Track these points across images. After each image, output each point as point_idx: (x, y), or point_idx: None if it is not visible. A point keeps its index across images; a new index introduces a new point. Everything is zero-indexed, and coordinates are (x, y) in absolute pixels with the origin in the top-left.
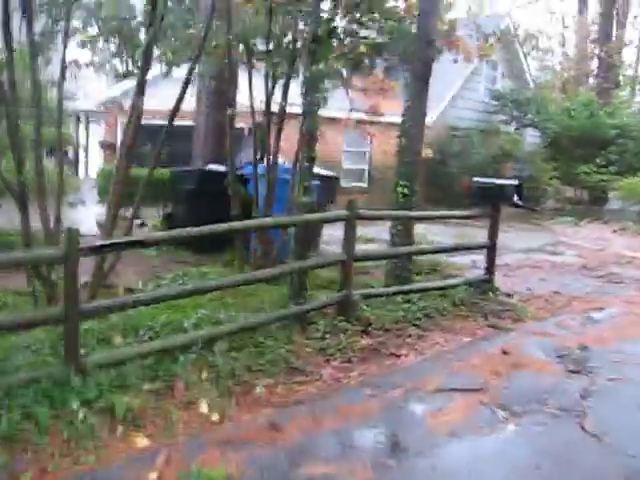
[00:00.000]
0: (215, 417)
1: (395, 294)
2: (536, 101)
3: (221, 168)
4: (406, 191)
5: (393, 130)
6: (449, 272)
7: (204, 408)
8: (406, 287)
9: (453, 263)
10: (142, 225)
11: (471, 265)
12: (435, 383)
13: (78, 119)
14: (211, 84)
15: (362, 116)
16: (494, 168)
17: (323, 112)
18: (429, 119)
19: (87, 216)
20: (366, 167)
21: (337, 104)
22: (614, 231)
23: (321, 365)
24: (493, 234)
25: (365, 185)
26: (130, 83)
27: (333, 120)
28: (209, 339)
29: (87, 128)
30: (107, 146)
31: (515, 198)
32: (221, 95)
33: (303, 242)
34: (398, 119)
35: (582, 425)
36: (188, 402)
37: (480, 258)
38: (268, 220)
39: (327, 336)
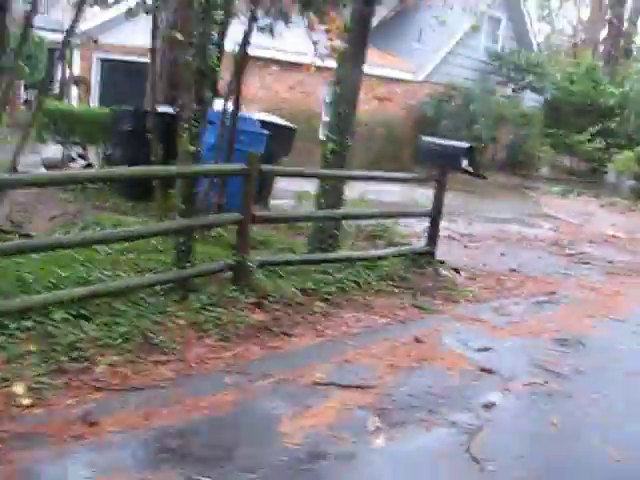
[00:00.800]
0: (27, 400)
1: (308, 262)
2: (537, 64)
3: (169, 109)
4: (335, 147)
5: (388, 84)
6: (393, 240)
7: (18, 388)
8: (322, 255)
9: (402, 230)
10: (88, 166)
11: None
12: (316, 375)
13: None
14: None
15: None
16: (488, 130)
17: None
18: (420, 75)
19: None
20: None
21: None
22: (601, 206)
23: (191, 343)
24: (438, 201)
25: None
26: (108, 15)
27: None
28: (57, 303)
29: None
30: (80, 82)
31: (464, 163)
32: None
33: (188, 197)
34: (391, 73)
35: (468, 447)
36: (1, 379)
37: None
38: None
39: (210, 308)
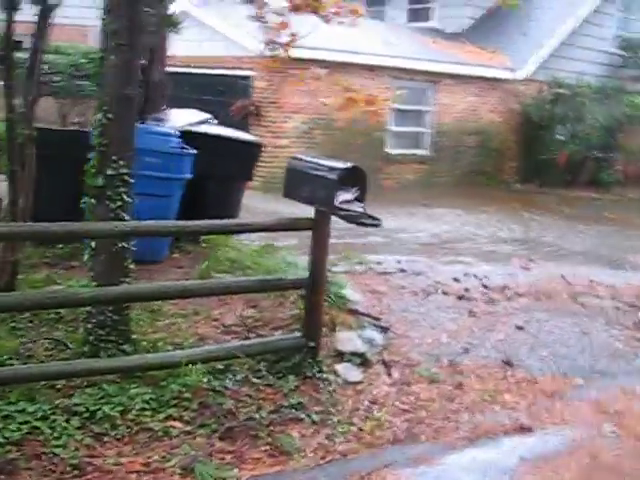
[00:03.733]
0: None
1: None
2: None
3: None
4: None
5: (480, 85)
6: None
7: None
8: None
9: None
10: None
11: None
12: None
13: None
14: None
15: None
16: (612, 139)
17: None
18: (522, 73)
19: None
20: (427, 130)
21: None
22: None
23: None
24: (317, 261)
25: (426, 153)
26: None
27: (379, 69)
28: None
29: None
30: None
31: (340, 198)
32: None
33: None
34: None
35: None
36: None
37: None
38: None
39: None
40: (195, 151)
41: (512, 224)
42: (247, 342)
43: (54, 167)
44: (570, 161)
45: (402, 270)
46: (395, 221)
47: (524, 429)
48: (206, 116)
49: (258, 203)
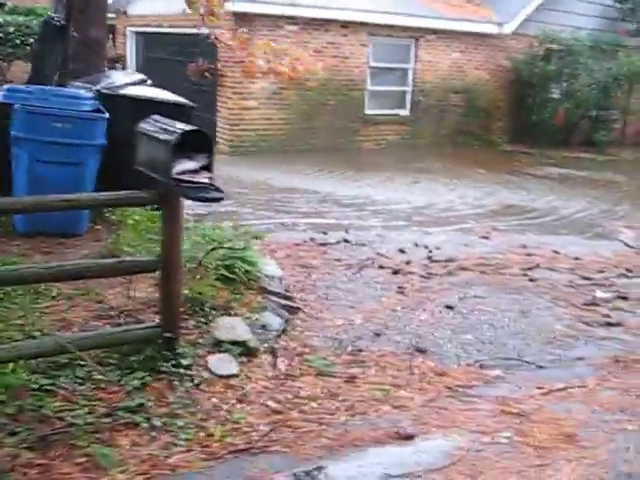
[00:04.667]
0: None
1: None
2: None
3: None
4: None
5: (466, 41)
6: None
7: None
8: None
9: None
10: None
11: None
12: None
13: None
14: None
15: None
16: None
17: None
18: (510, 27)
19: None
20: (408, 89)
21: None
22: None
23: None
24: (170, 243)
25: (406, 113)
26: None
27: (354, 25)
28: None
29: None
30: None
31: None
32: None
33: None
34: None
35: None
36: None
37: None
38: None
39: None
40: (107, 115)
41: (492, 189)
42: (83, 334)
43: None
44: (565, 121)
45: (346, 241)
46: (367, 188)
47: (403, 436)
48: (140, 77)
49: (227, 170)
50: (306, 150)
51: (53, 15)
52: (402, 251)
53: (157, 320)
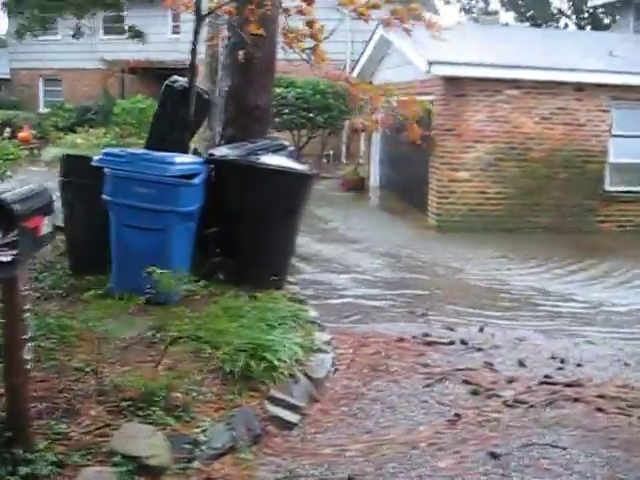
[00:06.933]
0: None
1: None
2: None
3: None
4: None
5: None
6: None
7: None
8: None
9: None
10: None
11: None
12: None
13: None
14: None
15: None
16: None
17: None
18: None
19: None
20: None
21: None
22: None
23: None
24: (7, 334)
25: None
26: None
27: (590, 87)
28: None
29: None
30: None
31: None
32: None
33: None
34: None
35: None
36: None
37: None
38: None
39: None
40: (196, 181)
41: None
42: None
43: None
44: None
45: (463, 342)
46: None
47: None
48: (280, 143)
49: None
50: (529, 230)
51: (175, 79)
52: (522, 363)
53: None
